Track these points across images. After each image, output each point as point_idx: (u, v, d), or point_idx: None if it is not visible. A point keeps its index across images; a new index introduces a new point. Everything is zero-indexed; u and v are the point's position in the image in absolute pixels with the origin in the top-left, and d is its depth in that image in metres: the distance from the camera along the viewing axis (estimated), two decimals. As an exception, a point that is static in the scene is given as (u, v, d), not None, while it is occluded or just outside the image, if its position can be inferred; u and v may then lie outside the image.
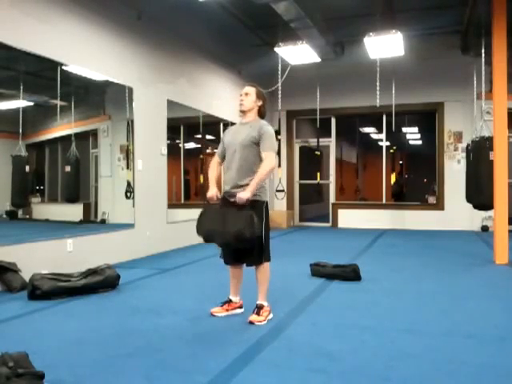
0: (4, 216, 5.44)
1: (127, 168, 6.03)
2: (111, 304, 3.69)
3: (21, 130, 5.20)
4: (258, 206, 3.16)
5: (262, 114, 3.32)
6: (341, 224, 10.16)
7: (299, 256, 6.03)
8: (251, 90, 3.28)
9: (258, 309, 3.18)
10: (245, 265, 3.32)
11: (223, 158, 3.38)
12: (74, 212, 6.11)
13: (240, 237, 2.96)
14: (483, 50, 6.45)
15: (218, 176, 3.39)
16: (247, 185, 3.11)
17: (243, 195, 3.05)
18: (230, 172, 3.24)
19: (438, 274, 4.86)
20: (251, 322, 3.09)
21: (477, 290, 4.19)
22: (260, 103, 3.29)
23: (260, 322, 3.11)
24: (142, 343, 2.73)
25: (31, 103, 5.61)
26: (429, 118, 10.10)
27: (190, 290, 4.19)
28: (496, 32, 5.39)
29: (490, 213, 6.31)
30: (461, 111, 9.15)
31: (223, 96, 8.11)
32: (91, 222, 6.18)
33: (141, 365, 2.40)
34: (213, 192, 3.27)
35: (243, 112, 3.30)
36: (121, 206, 6.12)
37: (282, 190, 9.22)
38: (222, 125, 8.26)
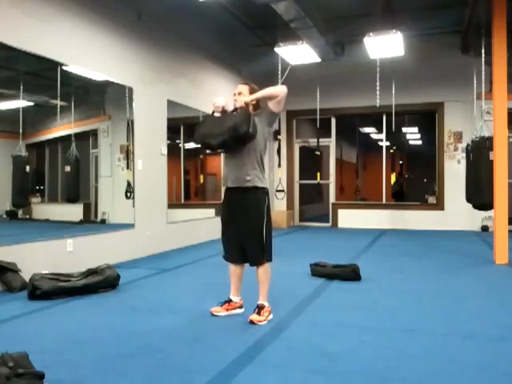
0: (4, 216, 5.45)
1: (127, 168, 6.03)
2: (111, 304, 3.69)
3: (21, 130, 5.21)
4: (256, 194, 3.16)
5: (259, 110, 3.29)
6: (341, 224, 10.16)
7: (299, 256, 6.03)
8: (244, 88, 3.26)
9: (259, 309, 3.18)
10: (248, 264, 3.32)
11: None
12: (74, 212, 6.11)
13: (235, 131, 2.94)
14: (483, 50, 6.45)
15: None
16: (250, 180, 3.12)
17: (242, 97, 3.05)
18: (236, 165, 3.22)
19: (438, 274, 4.86)
20: (252, 322, 3.09)
21: (477, 290, 4.19)
22: (254, 101, 3.25)
23: (260, 321, 3.10)
24: (141, 343, 2.73)
25: (31, 103, 5.61)
26: (429, 118, 10.11)
27: (190, 289, 4.19)
28: (496, 32, 5.39)
29: (490, 213, 6.31)
30: (461, 111, 9.15)
31: (223, 96, 8.10)
32: (91, 222, 6.18)
33: (141, 365, 2.40)
34: (220, 100, 3.20)
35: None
36: (121, 205, 6.12)
37: (282, 190, 9.23)
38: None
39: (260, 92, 3.16)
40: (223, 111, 3.20)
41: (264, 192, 3.23)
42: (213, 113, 3.24)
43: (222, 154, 3.40)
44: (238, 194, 3.20)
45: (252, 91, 3.25)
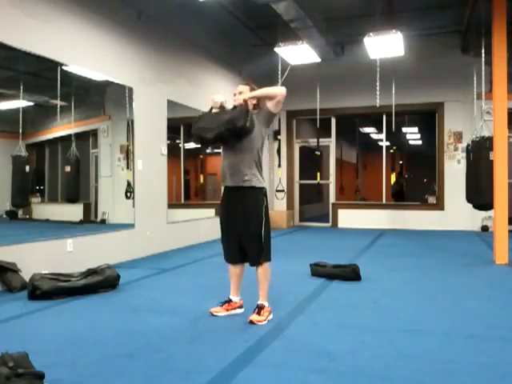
0: (4, 216, 5.45)
1: (127, 168, 6.03)
2: (111, 304, 3.69)
3: (21, 130, 5.21)
4: (255, 195, 3.16)
5: (257, 109, 3.29)
6: (341, 224, 10.16)
7: (299, 256, 6.03)
8: (245, 89, 3.26)
9: (259, 309, 3.18)
10: (248, 264, 3.32)
11: None
12: (74, 212, 6.11)
13: (232, 124, 2.95)
14: (483, 50, 6.45)
15: None
16: (248, 180, 3.12)
17: (241, 96, 3.07)
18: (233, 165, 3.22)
19: (438, 274, 4.86)
20: (252, 322, 3.09)
21: (477, 289, 4.19)
22: (255, 101, 3.26)
23: (260, 321, 3.10)
24: (141, 343, 2.73)
25: (31, 103, 5.61)
26: (429, 118, 10.11)
27: (190, 289, 4.19)
28: (496, 32, 5.39)
29: (490, 213, 6.31)
30: (461, 111, 9.14)
31: (223, 96, 8.10)
32: (91, 222, 6.18)
33: (141, 365, 2.40)
34: (218, 96, 3.21)
35: None
36: (121, 206, 6.12)
37: (282, 190, 9.24)
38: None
39: (259, 90, 3.17)
40: (221, 107, 3.20)
41: (262, 192, 3.22)
42: (211, 109, 3.24)
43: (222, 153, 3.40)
44: (237, 193, 3.20)
45: (252, 91, 3.25)
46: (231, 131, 3.00)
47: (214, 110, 3.22)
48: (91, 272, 4.07)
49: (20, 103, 5.32)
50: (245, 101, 3.07)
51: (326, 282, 4.42)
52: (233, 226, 3.24)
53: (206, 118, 3.19)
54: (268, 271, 3.24)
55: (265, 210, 3.20)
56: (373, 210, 10.06)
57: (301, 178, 10.76)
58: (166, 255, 6.19)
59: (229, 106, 3.21)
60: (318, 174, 9.27)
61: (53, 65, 4.79)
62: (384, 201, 10.15)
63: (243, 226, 3.18)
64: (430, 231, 9.05)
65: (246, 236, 3.19)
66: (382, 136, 10.23)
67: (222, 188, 3.35)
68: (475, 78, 7.33)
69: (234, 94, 3.26)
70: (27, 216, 5.73)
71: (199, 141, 3.28)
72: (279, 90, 3.18)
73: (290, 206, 10.46)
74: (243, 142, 3.12)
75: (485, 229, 8.80)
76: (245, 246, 3.22)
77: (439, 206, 9.47)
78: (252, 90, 3.26)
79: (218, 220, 3.48)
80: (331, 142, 10.42)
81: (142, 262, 5.63)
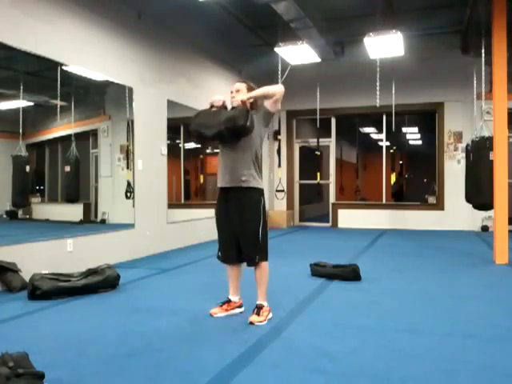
0: (4, 216, 5.45)
1: (127, 168, 6.03)
2: (111, 304, 3.69)
3: (21, 130, 5.21)
4: (252, 195, 3.15)
5: (255, 109, 3.27)
6: (341, 224, 10.16)
7: (299, 256, 6.03)
8: (242, 86, 3.24)
9: (258, 309, 3.17)
10: (245, 264, 3.31)
11: None
12: (74, 212, 6.11)
13: (232, 124, 2.93)
14: (483, 50, 6.45)
15: None
16: (246, 181, 3.11)
17: (239, 96, 3.05)
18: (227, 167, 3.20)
19: (438, 274, 4.86)
20: (251, 323, 3.09)
21: (477, 289, 4.19)
22: (252, 100, 3.21)
23: (261, 322, 3.10)
24: (141, 343, 2.73)
25: (31, 103, 5.61)
26: (429, 118, 10.11)
27: (190, 290, 4.19)
28: (496, 32, 5.39)
29: (490, 213, 6.31)
30: (461, 111, 9.15)
31: (223, 96, 8.09)
32: (91, 222, 6.18)
33: (141, 365, 2.40)
34: (221, 97, 3.22)
35: None
36: (121, 206, 6.12)
37: (282, 190, 9.24)
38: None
39: (257, 90, 3.15)
40: (223, 106, 3.19)
41: (259, 193, 3.20)
42: (211, 107, 3.22)
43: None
44: (233, 194, 3.17)
45: (250, 90, 3.22)
46: (231, 130, 2.99)
47: (213, 109, 3.21)
48: (91, 272, 4.07)
49: (20, 103, 5.31)
50: (243, 102, 3.05)
51: (326, 282, 4.42)
52: (230, 226, 3.23)
53: (206, 115, 3.18)
54: (266, 271, 3.23)
55: (262, 209, 3.19)
56: (373, 210, 10.06)
57: (301, 178, 10.76)
58: (165, 255, 6.19)
59: (230, 107, 3.20)
60: (318, 174, 9.27)
61: (53, 65, 4.79)
62: (384, 201, 10.15)
63: (240, 225, 3.17)
64: (430, 231, 9.05)
65: (243, 236, 3.18)
66: (382, 136, 10.23)
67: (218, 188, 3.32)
68: (475, 78, 7.33)
69: (231, 92, 3.26)
70: (27, 216, 5.73)
71: (198, 137, 3.27)
72: (278, 89, 3.15)
73: (289, 205, 10.46)
74: (241, 141, 3.10)
75: (485, 229, 8.80)
76: (242, 246, 3.21)
77: (439, 205, 9.47)
78: (249, 87, 3.24)
79: (218, 220, 3.48)
80: (331, 142, 10.42)
81: (142, 262, 5.63)
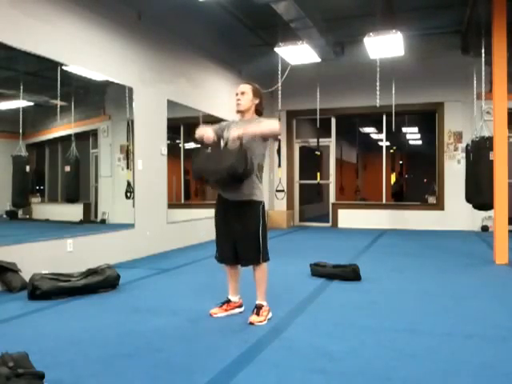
0: (4, 216, 5.45)
1: (127, 168, 6.03)
2: (111, 304, 3.69)
3: (21, 130, 5.21)
4: (254, 206, 3.15)
5: (259, 112, 3.27)
6: (341, 224, 10.16)
7: (299, 256, 6.03)
8: (247, 88, 3.22)
9: (258, 309, 3.17)
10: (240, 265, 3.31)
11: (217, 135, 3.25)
12: (74, 212, 6.11)
13: (233, 171, 2.93)
14: (483, 50, 6.45)
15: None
16: (248, 195, 3.12)
17: (235, 132, 3.03)
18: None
19: (438, 274, 4.86)
20: (251, 323, 3.08)
21: (477, 289, 4.19)
22: (257, 101, 3.22)
23: (260, 322, 3.10)
24: (141, 343, 2.73)
25: (31, 103, 5.61)
26: (429, 118, 10.11)
27: (190, 289, 4.19)
28: (496, 32, 5.39)
29: (490, 213, 6.30)
30: (461, 111, 9.15)
31: (223, 96, 8.10)
32: (91, 222, 6.18)
33: (141, 365, 2.40)
34: (208, 132, 3.15)
35: (241, 112, 3.23)
36: (121, 205, 6.12)
37: (282, 190, 9.22)
38: (222, 125, 8.26)
39: (257, 129, 3.07)
40: (214, 142, 3.17)
41: (260, 204, 3.20)
42: (203, 144, 3.18)
43: None
44: (234, 205, 3.18)
45: (255, 91, 3.22)
46: (232, 176, 2.99)
47: (208, 149, 3.17)
48: (91, 272, 4.07)
49: (20, 103, 5.32)
50: (239, 138, 3.00)
51: (326, 282, 4.42)
52: (230, 227, 3.22)
53: (205, 157, 3.13)
54: (266, 271, 3.23)
55: (262, 210, 3.20)
56: (373, 210, 10.06)
57: (301, 178, 10.76)
58: (165, 255, 6.19)
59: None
60: (318, 174, 9.26)
61: (53, 65, 4.79)
62: (384, 201, 10.15)
63: (240, 228, 3.16)
64: (430, 231, 9.04)
65: (243, 237, 3.18)
66: (382, 136, 10.23)
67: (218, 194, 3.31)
68: (475, 78, 7.33)
69: (236, 94, 3.23)
70: (27, 216, 5.73)
71: (201, 181, 3.27)
72: (277, 128, 3.13)
73: (289, 205, 10.46)
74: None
75: (485, 229, 8.80)
76: (242, 248, 3.20)
77: (439, 205, 9.47)
78: (254, 89, 3.23)
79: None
80: (331, 142, 10.42)
81: (141, 262, 5.63)
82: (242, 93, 3.20)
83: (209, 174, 3.07)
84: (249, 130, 3.05)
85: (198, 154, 3.20)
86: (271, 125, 3.14)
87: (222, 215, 3.27)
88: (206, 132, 3.17)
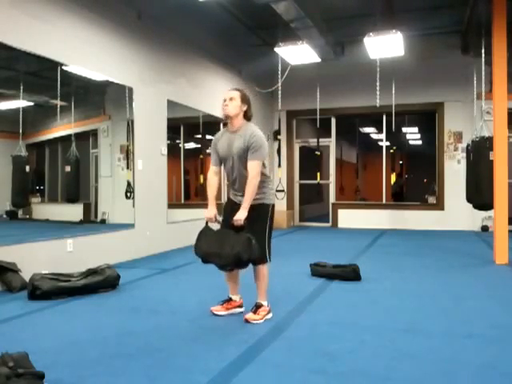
0: (4, 216, 5.44)
1: (127, 168, 6.03)
2: (111, 304, 3.69)
3: (21, 130, 5.20)
4: (262, 208, 3.16)
5: (248, 117, 3.25)
6: (341, 224, 10.16)
7: (299, 256, 6.03)
8: (236, 94, 3.19)
9: (257, 307, 3.18)
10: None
11: (220, 163, 3.31)
12: (74, 212, 6.11)
13: (238, 260, 2.97)
14: (483, 50, 6.45)
15: (217, 188, 3.33)
16: (257, 199, 3.12)
17: (239, 216, 3.03)
18: (234, 182, 3.24)
19: (438, 274, 4.86)
20: (247, 321, 3.10)
21: (477, 289, 4.19)
22: (245, 107, 3.20)
23: (256, 320, 3.10)
24: (141, 343, 2.73)
25: (31, 103, 5.61)
26: (429, 118, 10.11)
27: (190, 289, 4.19)
28: (496, 32, 5.39)
29: (490, 213, 6.31)
30: (461, 111, 9.15)
31: (223, 96, 8.10)
32: (91, 222, 6.18)
33: (141, 365, 2.40)
34: (211, 213, 3.22)
35: (228, 117, 3.21)
36: (121, 206, 6.12)
37: (282, 190, 9.22)
38: (221, 125, 8.26)
39: (246, 198, 3.06)
40: (217, 220, 3.22)
41: (269, 206, 3.21)
42: (207, 223, 3.22)
43: (223, 170, 3.38)
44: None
45: (243, 98, 3.20)
46: (237, 263, 3.02)
47: (210, 221, 3.22)
48: (91, 272, 4.07)
49: (20, 103, 5.31)
50: (243, 226, 3.01)
51: (326, 282, 4.42)
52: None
53: (209, 239, 3.13)
54: (266, 271, 3.23)
55: (270, 211, 3.21)
56: (373, 210, 10.06)
57: (301, 178, 10.76)
58: (166, 255, 6.19)
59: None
60: (318, 174, 9.26)
61: (53, 65, 4.79)
62: (384, 201, 10.15)
63: (248, 227, 3.15)
64: (430, 231, 9.04)
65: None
66: (382, 136, 10.23)
67: (227, 193, 3.34)
68: (475, 78, 7.33)
69: (224, 100, 3.19)
70: (27, 216, 5.73)
71: (206, 263, 3.25)
72: (254, 178, 3.07)
73: (290, 205, 10.46)
74: (239, 164, 3.13)
75: (485, 229, 8.80)
76: None
77: (439, 205, 9.47)
78: (242, 95, 3.21)
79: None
80: (331, 142, 10.42)
81: (141, 262, 5.63)
82: (231, 98, 3.18)
83: (213, 256, 3.07)
84: (245, 206, 3.04)
85: (201, 234, 3.20)
86: (251, 177, 3.07)
87: (228, 217, 3.23)
88: (209, 213, 3.21)
